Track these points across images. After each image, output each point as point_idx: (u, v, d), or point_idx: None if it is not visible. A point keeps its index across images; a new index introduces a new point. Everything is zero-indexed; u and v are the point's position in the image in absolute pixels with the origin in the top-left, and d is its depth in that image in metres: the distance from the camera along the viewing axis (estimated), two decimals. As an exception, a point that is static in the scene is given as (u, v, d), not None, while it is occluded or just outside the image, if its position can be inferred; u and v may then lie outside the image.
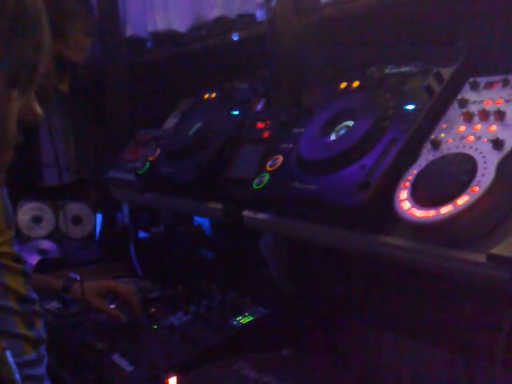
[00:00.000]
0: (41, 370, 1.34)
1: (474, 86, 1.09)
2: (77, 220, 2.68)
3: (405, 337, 1.41)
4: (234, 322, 1.57)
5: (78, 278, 1.68)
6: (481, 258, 0.89)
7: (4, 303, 1.27)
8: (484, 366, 1.23)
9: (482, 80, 1.09)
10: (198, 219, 2.41)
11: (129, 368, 1.46)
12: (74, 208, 2.69)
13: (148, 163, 1.88)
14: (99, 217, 2.77)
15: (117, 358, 1.51)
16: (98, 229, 2.76)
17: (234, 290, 1.76)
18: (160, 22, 2.32)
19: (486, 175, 0.91)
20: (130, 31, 2.53)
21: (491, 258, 0.87)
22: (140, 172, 1.90)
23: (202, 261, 2.18)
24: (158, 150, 1.89)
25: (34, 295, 1.36)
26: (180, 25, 2.24)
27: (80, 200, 2.74)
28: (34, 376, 1.31)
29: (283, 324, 1.56)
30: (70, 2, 1.29)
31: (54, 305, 1.91)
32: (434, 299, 1.34)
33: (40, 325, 1.36)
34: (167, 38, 2.33)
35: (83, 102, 2.95)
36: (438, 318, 1.32)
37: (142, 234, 2.64)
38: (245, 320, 1.57)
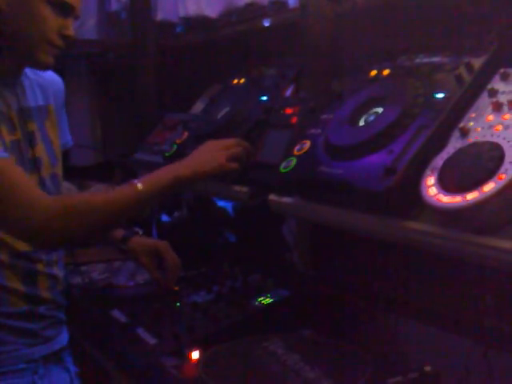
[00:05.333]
0: (33, 326, 1.40)
1: (505, 77, 1.09)
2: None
3: (423, 322, 1.43)
4: (256, 303, 1.60)
5: (140, 232, 1.72)
6: (508, 245, 0.90)
7: None
8: (502, 356, 1.25)
9: (513, 71, 1.10)
10: (219, 203, 2.43)
11: (152, 341, 1.50)
12: (99, 189, 2.71)
13: (175, 146, 1.90)
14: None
15: (140, 332, 1.55)
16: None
17: (257, 273, 1.79)
18: (191, 6, 2.33)
19: (513, 163, 0.92)
20: (160, 15, 2.55)
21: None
22: (167, 154, 1.92)
23: (226, 243, 2.20)
24: (186, 134, 1.91)
25: (43, 256, 1.40)
26: (211, 10, 2.25)
27: (105, 181, 2.76)
28: (21, 328, 1.38)
29: (304, 306, 1.59)
30: None
31: (78, 280, 1.96)
32: (456, 285, 1.35)
33: (44, 285, 1.42)
34: (198, 23, 2.35)
35: (111, 84, 2.98)
36: (459, 305, 1.34)
37: (164, 218, 2.67)
38: (266, 301, 1.60)
